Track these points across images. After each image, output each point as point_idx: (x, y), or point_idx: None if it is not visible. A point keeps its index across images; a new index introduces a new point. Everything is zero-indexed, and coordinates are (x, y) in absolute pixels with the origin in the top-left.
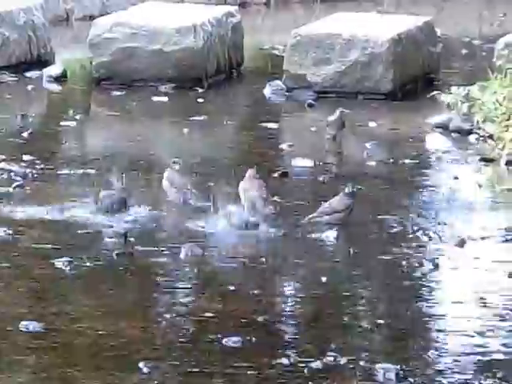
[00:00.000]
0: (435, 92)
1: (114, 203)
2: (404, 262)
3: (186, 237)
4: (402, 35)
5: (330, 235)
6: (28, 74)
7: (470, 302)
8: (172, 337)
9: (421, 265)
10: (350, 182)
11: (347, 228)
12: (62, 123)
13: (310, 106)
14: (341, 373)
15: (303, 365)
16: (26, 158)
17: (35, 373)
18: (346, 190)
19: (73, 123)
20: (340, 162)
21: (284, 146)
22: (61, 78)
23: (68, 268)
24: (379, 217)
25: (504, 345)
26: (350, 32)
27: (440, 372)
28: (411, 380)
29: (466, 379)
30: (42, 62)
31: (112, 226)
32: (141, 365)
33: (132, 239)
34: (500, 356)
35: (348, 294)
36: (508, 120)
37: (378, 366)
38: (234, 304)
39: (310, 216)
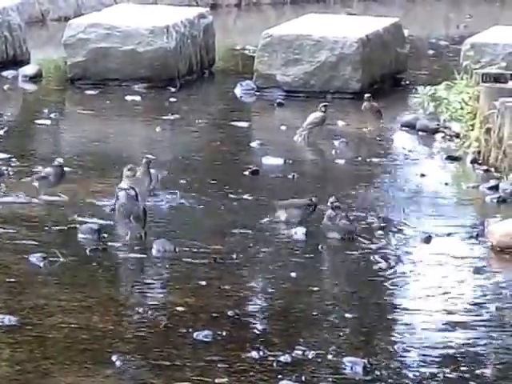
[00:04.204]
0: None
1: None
2: (371, 258)
3: None
4: (370, 36)
5: (299, 232)
6: (4, 74)
7: (436, 297)
8: (144, 331)
9: (388, 261)
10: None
11: (316, 225)
12: (37, 122)
13: (280, 105)
14: (309, 366)
15: (272, 358)
16: (1, 155)
17: (10, 366)
18: None
19: (48, 122)
20: (309, 160)
21: (254, 145)
22: (36, 78)
23: (42, 263)
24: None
25: (468, 339)
26: (319, 33)
27: (406, 365)
28: (378, 373)
29: (432, 372)
30: (17, 62)
31: (86, 223)
32: (113, 358)
33: (105, 235)
34: (464, 349)
35: (316, 289)
36: (473, 119)
37: (345, 359)
38: (205, 299)
39: None
